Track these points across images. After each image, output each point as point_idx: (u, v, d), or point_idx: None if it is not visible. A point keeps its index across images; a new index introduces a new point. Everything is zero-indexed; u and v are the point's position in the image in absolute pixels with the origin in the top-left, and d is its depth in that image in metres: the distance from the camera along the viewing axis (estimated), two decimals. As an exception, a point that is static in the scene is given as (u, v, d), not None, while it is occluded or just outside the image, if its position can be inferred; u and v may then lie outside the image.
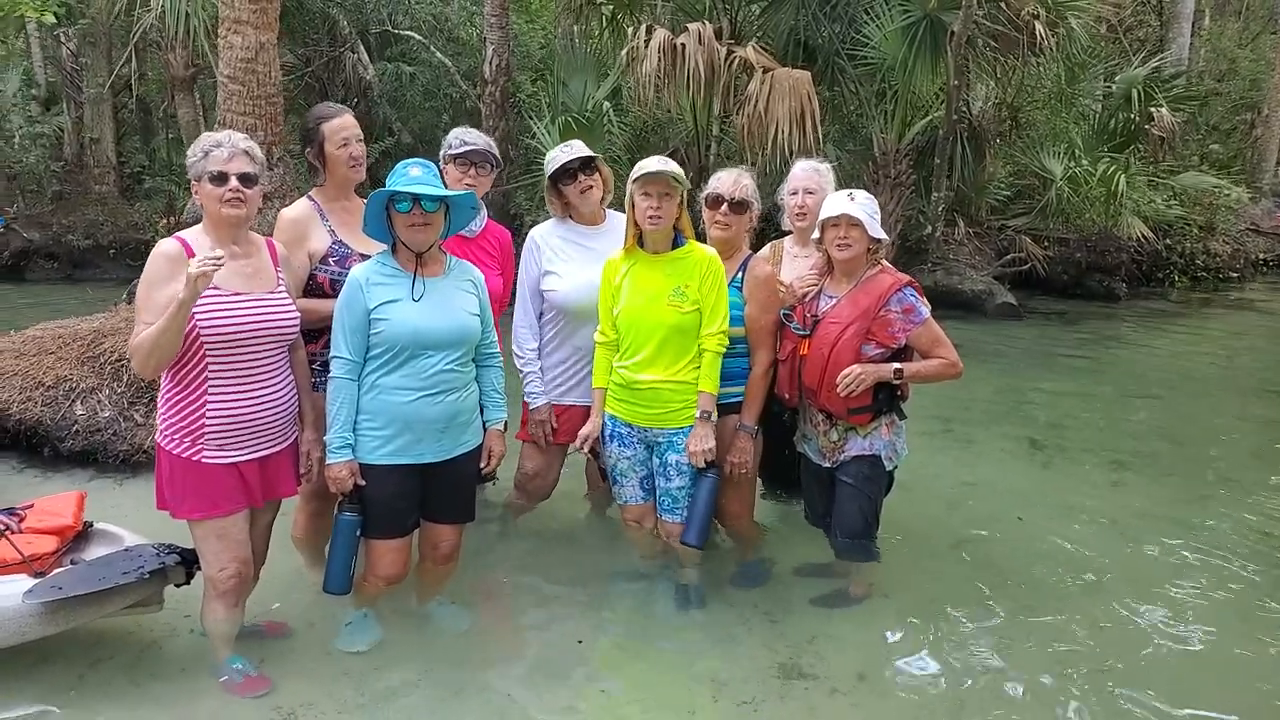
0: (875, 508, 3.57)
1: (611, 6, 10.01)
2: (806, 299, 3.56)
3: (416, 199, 2.87)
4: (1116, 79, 12.48)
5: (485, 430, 3.24)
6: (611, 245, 3.51)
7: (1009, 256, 11.30)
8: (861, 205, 3.39)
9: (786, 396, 3.58)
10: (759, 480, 3.83)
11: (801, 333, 3.48)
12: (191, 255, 2.71)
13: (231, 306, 2.73)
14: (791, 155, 7.94)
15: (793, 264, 3.89)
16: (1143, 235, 11.36)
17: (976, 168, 10.84)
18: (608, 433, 3.49)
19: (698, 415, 3.31)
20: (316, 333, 3.21)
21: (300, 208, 3.33)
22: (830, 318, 3.43)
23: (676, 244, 3.36)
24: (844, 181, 3.91)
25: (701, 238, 3.53)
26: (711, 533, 3.59)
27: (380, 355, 2.94)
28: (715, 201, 3.51)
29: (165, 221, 9.93)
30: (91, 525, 3.15)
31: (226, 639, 2.94)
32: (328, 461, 2.94)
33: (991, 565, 4.00)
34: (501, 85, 10.52)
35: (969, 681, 3.12)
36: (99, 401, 4.69)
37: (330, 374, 2.96)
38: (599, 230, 3.69)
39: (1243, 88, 17.54)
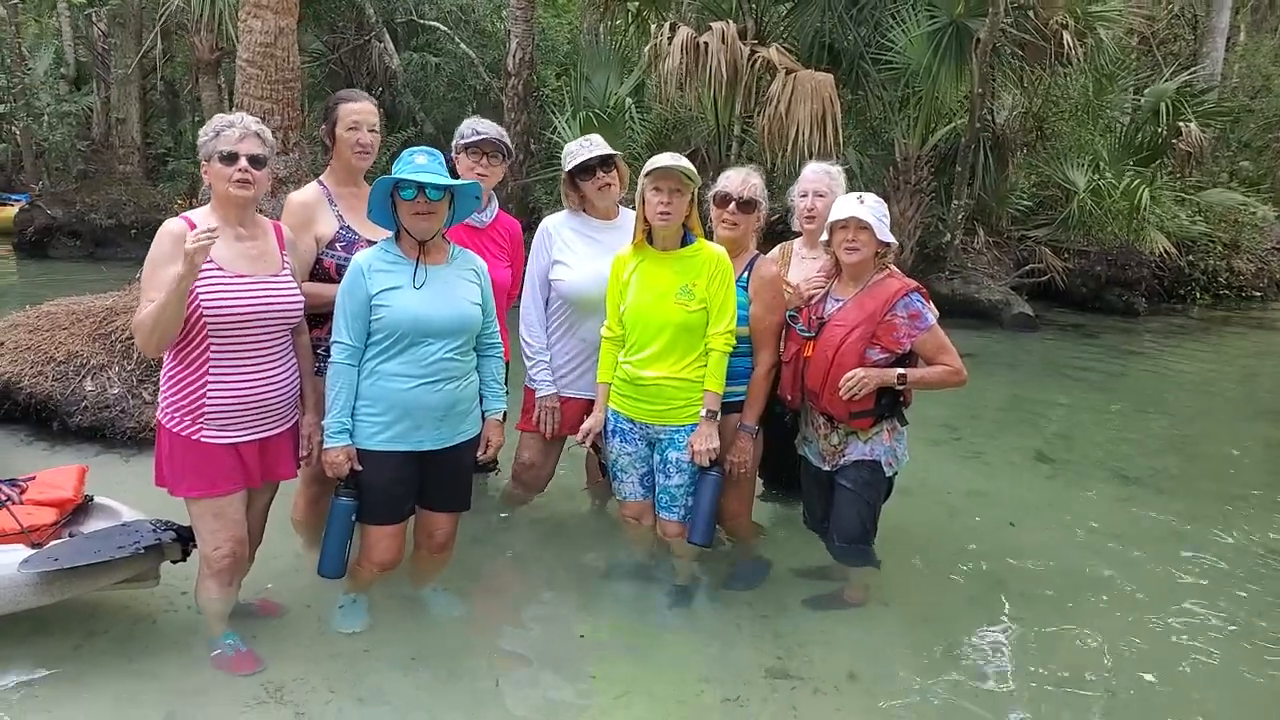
0: (874, 513, 3.55)
1: (637, 3, 10.00)
2: (813, 301, 3.55)
3: (421, 187, 2.87)
4: (1145, 92, 12.35)
5: (484, 420, 3.24)
6: (623, 240, 3.51)
7: (1028, 267, 11.21)
8: (870, 208, 3.37)
9: (789, 398, 3.56)
10: (759, 481, 3.81)
11: (807, 335, 3.46)
12: None
13: (235, 288, 2.74)
14: (811, 157, 7.88)
15: (801, 265, 3.88)
16: (1165, 251, 11.24)
17: (998, 176, 10.77)
18: (610, 428, 3.49)
19: (703, 414, 3.31)
20: (322, 317, 3.22)
21: (309, 192, 3.35)
22: (836, 321, 3.42)
23: (686, 242, 3.36)
24: (865, 186, 3.90)
25: (710, 236, 3.52)
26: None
27: (381, 341, 2.95)
28: (723, 200, 3.50)
29: (185, 203, 10.02)
30: (92, 499, 3.18)
31: (220, 616, 2.96)
32: (325, 446, 2.95)
33: (991, 576, 3.97)
34: (524, 78, 10.54)
35: (958, 689, 3.09)
36: (109, 378, 4.74)
37: (330, 359, 2.98)
38: (612, 225, 3.69)
39: (1276, 105, 17.25)
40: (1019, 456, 5.74)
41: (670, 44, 8.13)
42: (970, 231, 10.84)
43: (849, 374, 3.30)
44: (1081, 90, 11.76)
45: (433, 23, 11.69)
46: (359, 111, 3.30)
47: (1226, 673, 3.28)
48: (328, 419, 2.95)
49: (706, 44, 8.15)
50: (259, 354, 2.82)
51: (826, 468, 3.56)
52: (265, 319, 2.80)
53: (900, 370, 3.36)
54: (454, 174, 3.09)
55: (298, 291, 2.93)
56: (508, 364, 3.58)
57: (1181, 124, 11.53)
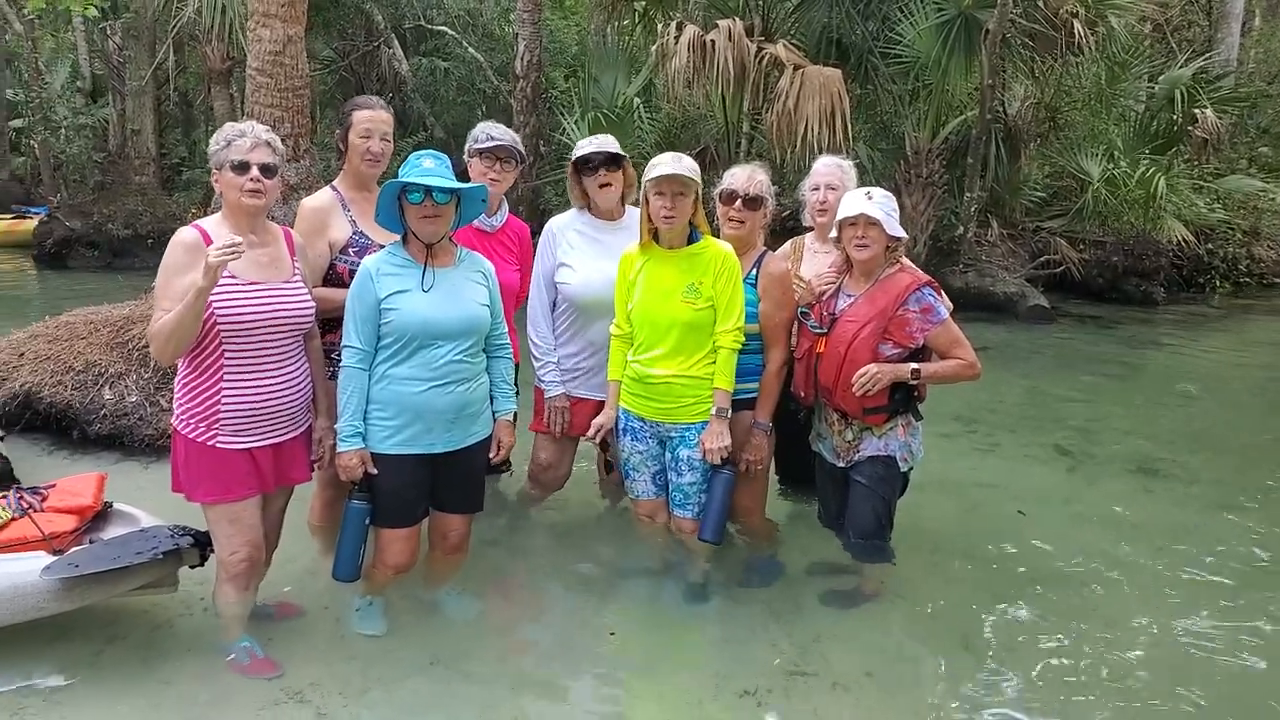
0: (889, 508, 3.54)
1: (644, 3, 10.00)
2: (824, 297, 3.54)
3: (428, 190, 2.89)
4: (1160, 79, 12.22)
5: (495, 421, 3.25)
6: (627, 241, 3.51)
7: (1043, 259, 11.12)
8: (879, 204, 3.36)
9: (802, 395, 3.56)
10: (774, 478, 3.81)
11: (819, 331, 3.46)
12: (209, 243, 2.75)
13: (247, 295, 2.77)
14: (821, 153, 7.85)
15: (813, 260, 3.88)
16: (1183, 239, 11.11)
17: (1011, 168, 10.70)
18: (621, 426, 3.50)
19: (713, 412, 3.31)
20: (335, 322, 3.22)
21: (322, 197, 3.38)
22: (847, 316, 3.41)
23: (692, 240, 3.36)
24: (876, 181, 3.90)
25: (717, 233, 3.51)
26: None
27: (390, 345, 2.96)
28: (729, 197, 3.50)
29: (200, 212, 10.09)
30: (111, 506, 3.22)
31: (238, 620, 2.99)
32: (338, 450, 2.98)
33: (1009, 570, 3.94)
34: (533, 81, 10.56)
35: (977, 685, 3.08)
36: (126, 386, 4.79)
37: (341, 363, 3.00)
38: (616, 226, 3.69)
39: (1295, 89, 17.03)
40: (1037, 450, 5.69)
41: (678, 43, 8.13)
42: (983, 224, 10.78)
43: (862, 370, 3.29)
44: (1094, 79, 11.65)
45: (441, 28, 11.74)
46: (371, 120, 3.32)
47: (1254, 671, 3.23)
48: (340, 423, 2.97)
49: (714, 42, 8.14)
50: (272, 360, 2.84)
51: (841, 464, 3.55)
52: (278, 325, 2.83)
53: (914, 365, 3.35)
54: (463, 177, 3.11)
55: (309, 297, 2.96)
56: (517, 365, 3.59)
57: (1197, 111, 11.41)
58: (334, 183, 3.45)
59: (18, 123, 14.60)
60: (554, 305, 3.72)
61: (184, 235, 2.80)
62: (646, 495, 3.54)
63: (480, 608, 3.42)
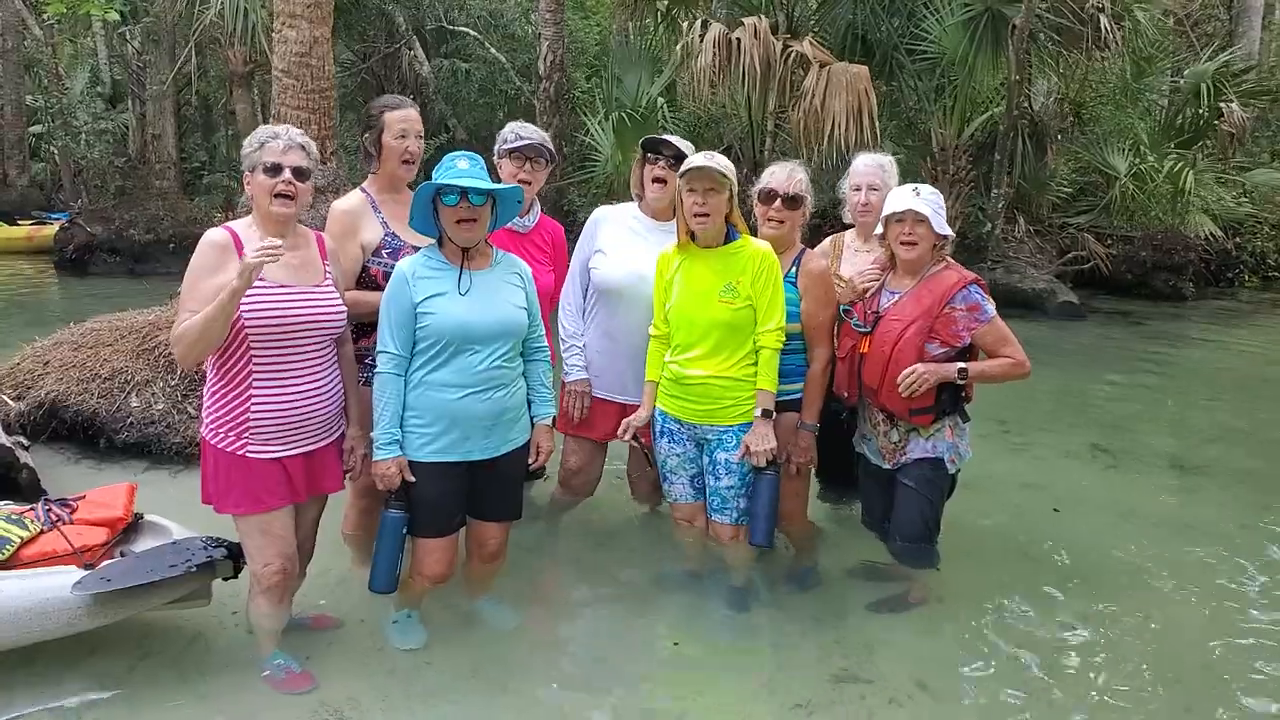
0: (936, 512, 3.45)
1: (667, 2, 9.93)
2: (867, 295, 3.45)
3: (464, 192, 2.81)
4: (1185, 73, 12.08)
5: (533, 426, 3.17)
6: (669, 242, 3.44)
7: (1071, 255, 10.97)
8: (927, 200, 3.28)
9: (845, 395, 3.48)
10: (814, 480, 3.72)
11: (862, 329, 3.38)
12: (239, 245, 2.69)
13: (277, 299, 2.70)
14: (848, 150, 7.81)
15: (854, 259, 3.80)
16: (1210, 234, 10.97)
17: (1038, 164, 10.57)
18: (658, 429, 3.43)
19: (757, 414, 3.23)
20: (369, 326, 3.16)
21: (353, 199, 3.31)
22: (892, 315, 3.32)
23: (730, 239, 3.28)
24: (901, 178, 3.79)
25: (754, 232, 3.44)
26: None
27: (427, 350, 2.88)
28: (769, 197, 3.42)
29: (223, 216, 10.09)
30: (141, 517, 3.15)
31: (272, 634, 2.92)
32: (374, 458, 2.90)
33: (1056, 573, 3.84)
34: (556, 81, 10.52)
35: (1031, 695, 2.98)
36: (153, 394, 4.74)
37: (376, 369, 2.92)
38: (663, 227, 3.61)
39: (1319, 82, 16.81)
40: (1075, 448, 5.59)
41: (703, 41, 8.04)
42: (1011, 220, 10.64)
43: (907, 370, 3.21)
44: (1119, 74, 11.51)
45: (463, 28, 11.69)
46: (406, 119, 3.26)
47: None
48: (376, 430, 2.89)
49: (739, 40, 8.05)
50: (303, 366, 2.77)
51: (887, 466, 3.46)
52: (308, 330, 2.76)
53: (960, 365, 3.27)
54: (494, 178, 3.04)
55: (340, 301, 2.89)
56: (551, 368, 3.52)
57: (1223, 105, 11.26)
58: (363, 185, 3.39)
59: (37, 128, 14.62)
60: (586, 293, 3.68)
61: (214, 236, 2.73)
62: (685, 499, 3.47)
63: (520, 617, 3.34)
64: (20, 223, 14.11)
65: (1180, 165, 10.17)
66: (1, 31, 13.66)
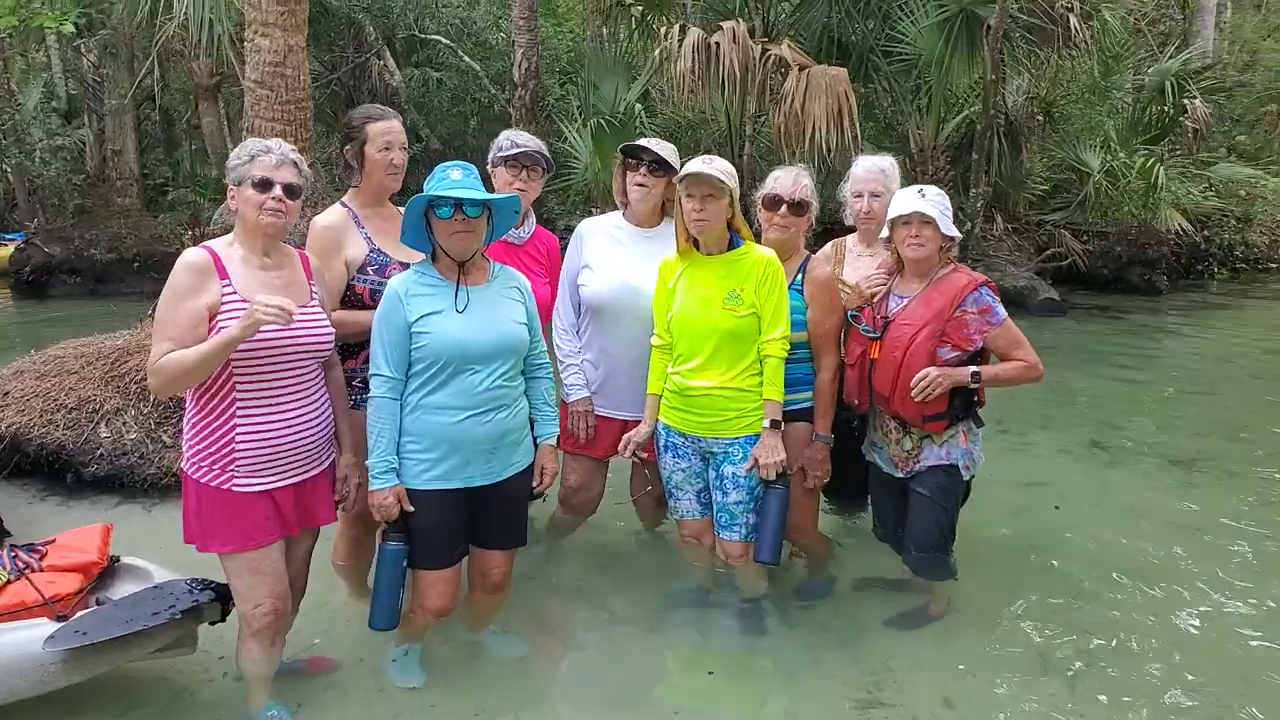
0: (951, 520, 3.36)
1: (641, 7, 9.82)
2: (875, 300, 3.34)
3: (458, 204, 2.66)
4: (1149, 71, 12.28)
5: (536, 447, 3.02)
6: (657, 250, 3.35)
7: (1049, 252, 11.05)
8: (933, 201, 3.19)
9: (856, 402, 3.37)
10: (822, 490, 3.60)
11: (871, 335, 3.27)
12: (220, 265, 2.52)
13: None
14: (829, 153, 7.76)
15: (856, 264, 3.70)
16: (1181, 228, 11.13)
17: (1014, 163, 10.60)
18: (661, 443, 3.31)
19: (766, 425, 3.11)
20: (356, 347, 3.04)
21: (334, 215, 3.14)
22: (902, 319, 3.22)
23: (733, 245, 3.18)
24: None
25: (758, 238, 3.33)
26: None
27: (423, 372, 2.72)
28: (774, 203, 3.33)
29: (191, 233, 9.80)
30: (118, 560, 2.94)
31: (264, 681, 2.72)
32: (371, 488, 2.73)
33: (1070, 576, 3.77)
34: (531, 88, 10.40)
35: (1062, 711, 2.87)
36: (124, 423, 4.50)
37: (370, 393, 2.76)
38: (648, 233, 3.51)
39: (1268, 79, 17.20)
40: (1073, 446, 5.56)
41: (681, 46, 7.93)
42: (989, 219, 10.66)
43: (921, 373, 3.12)
44: (1088, 73, 11.63)
45: (435, 36, 11.49)
46: (391, 131, 3.10)
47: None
48: (372, 458, 2.72)
49: (718, 44, 7.95)
50: (290, 392, 2.60)
51: (899, 474, 3.36)
52: (294, 353, 2.59)
53: (974, 368, 3.19)
54: (487, 188, 2.89)
55: (327, 323, 2.72)
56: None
57: (1187, 101, 11.43)
58: (344, 199, 3.22)
59: (-11, 147, 14.19)
60: (578, 309, 3.56)
61: (192, 257, 2.55)
62: (691, 515, 3.36)
63: (526, 649, 3.18)
64: (-27, 245, 13.69)
65: (1152, 161, 10.27)
66: (-51, 48, 13.27)
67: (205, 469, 2.54)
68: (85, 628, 2.51)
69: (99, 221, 12.22)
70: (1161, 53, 13.19)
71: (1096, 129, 11.68)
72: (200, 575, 2.79)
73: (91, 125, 12.93)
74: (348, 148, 3.08)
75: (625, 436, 3.34)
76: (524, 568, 3.50)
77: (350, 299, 3.04)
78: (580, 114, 9.53)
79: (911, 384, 3.12)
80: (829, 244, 3.83)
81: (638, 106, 9.42)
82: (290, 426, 2.59)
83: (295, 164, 2.61)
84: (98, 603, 2.75)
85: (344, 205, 3.18)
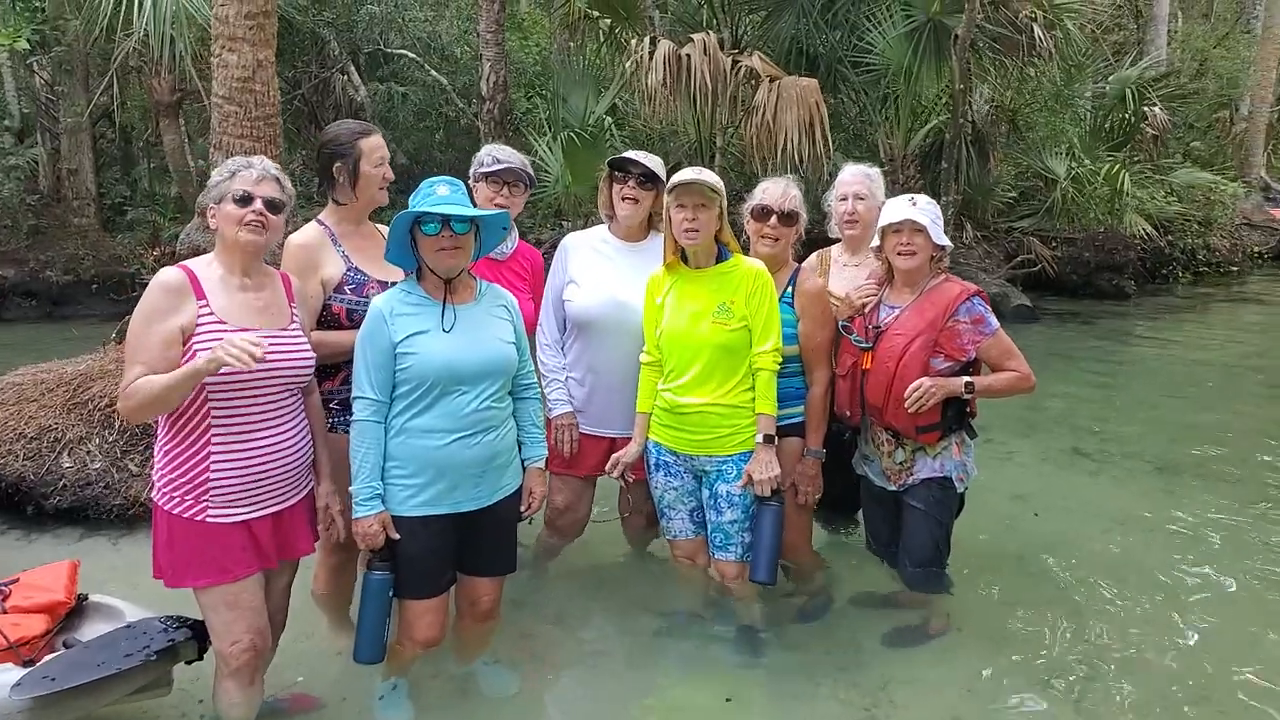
0: (947, 533, 3.33)
1: (609, 20, 9.77)
2: (866, 310, 3.30)
3: (446, 220, 2.57)
4: (1110, 79, 12.47)
5: (524, 469, 2.93)
6: (643, 264, 3.29)
7: (1019, 259, 11.14)
8: (924, 210, 3.17)
9: (848, 414, 3.32)
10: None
11: (863, 346, 3.22)
12: (197, 285, 2.42)
13: None
14: (801, 164, 7.74)
15: (841, 274, 3.67)
16: (1145, 233, 11.28)
17: (982, 171, 10.68)
18: (652, 461, 3.24)
19: (759, 440, 3.06)
20: (333, 368, 2.93)
21: (309, 233, 3.04)
22: (894, 329, 3.18)
23: (721, 258, 3.12)
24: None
25: (746, 250, 3.29)
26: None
27: (409, 394, 2.63)
28: (763, 214, 3.28)
29: (154, 253, 9.54)
30: (86, 598, 2.79)
31: (244, 723, 2.58)
32: (355, 515, 2.62)
33: (1066, 588, 3.73)
34: (499, 102, 10.29)
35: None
36: (88, 452, 4.31)
37: (353, 416, 2.64)
38: (634, 247, 3.45)
39: (1219, 86, 17.62)
40: (1055, 454, 5.56)
41: (652, 58, 7.89)
42: (959, 227, 10.71)
43: (915, 384, 3.07)
44: (1051, 81, 11.79)
45: (400, 51, 11.37)
46: (382, 146, 3.03)
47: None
48: (355, 485, 2.62)
49: (689, 56, 7.92)
50: (267, 419, 2.48)
51: (892, 487, 3.32)
52: (272, 380, 2.48)
53: (966, 379, 3.16)
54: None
55: (308, 348, 2.61)
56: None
57: (1147, 108, 11.62)
58: (320, 217, 3.11)
59: (-63, 167, 13.75)
60: (563, 326, 3.48)
61: (166, 276, 2.44)
62: (685, 535, 3.29)
63: (517, 683, 3.05)
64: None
65: (1118, 167, 10.41)
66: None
67: (178, 499, 2.42)
68: (54, 673, 2.36)
69: (54, 242, 11.86)
70: (1117, 62, 13.47)
71: (1060, 136, 11.83)
72: (174, 611, 2.65)
73: (46, 144, 12.61)
74: (337, 165, 2.97)
75: (614, 456, 3.27)
76: (510, 592, 3.38)
77: (326, 319, 2.94)
78: (550, 127, 9.46)
79: (905, 394, 3.07)
80: (813, 255, 3.78)
81: (607, 119, 9.37)
82: (268, 455, 2.48)
83: (277, 179, 2.52)
84: (66, 645, 2.60)
85: (320, 223, 3.08)
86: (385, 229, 2.86)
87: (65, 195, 12.31)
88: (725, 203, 3.07)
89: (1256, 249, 15.20)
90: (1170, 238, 13.13)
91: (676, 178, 3.01)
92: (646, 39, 8.23)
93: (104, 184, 12.77)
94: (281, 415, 2.52)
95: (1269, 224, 16.05)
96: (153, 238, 11.09)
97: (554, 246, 3.64)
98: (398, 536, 2.64)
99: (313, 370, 2.64)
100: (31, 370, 4.88)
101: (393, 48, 11.55)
